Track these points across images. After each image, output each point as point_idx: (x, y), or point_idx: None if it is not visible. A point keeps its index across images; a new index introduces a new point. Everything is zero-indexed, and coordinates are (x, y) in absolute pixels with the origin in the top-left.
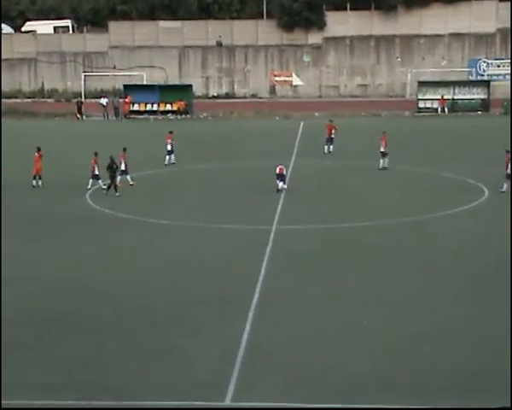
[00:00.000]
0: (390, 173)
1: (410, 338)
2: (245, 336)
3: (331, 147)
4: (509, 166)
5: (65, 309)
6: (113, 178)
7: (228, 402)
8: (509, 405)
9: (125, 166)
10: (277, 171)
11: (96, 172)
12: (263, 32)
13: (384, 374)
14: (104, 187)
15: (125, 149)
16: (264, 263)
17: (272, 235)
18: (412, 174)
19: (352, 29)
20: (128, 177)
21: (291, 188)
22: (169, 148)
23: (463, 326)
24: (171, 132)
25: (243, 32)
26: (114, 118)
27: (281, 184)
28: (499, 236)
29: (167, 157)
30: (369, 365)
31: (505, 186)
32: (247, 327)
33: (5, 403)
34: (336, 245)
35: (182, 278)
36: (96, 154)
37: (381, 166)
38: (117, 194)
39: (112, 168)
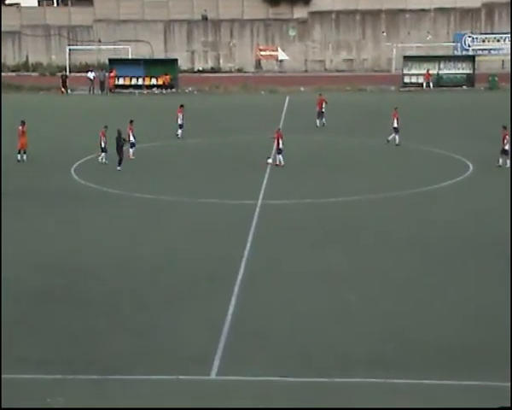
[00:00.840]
0: (375, 149)
1: (398, 314)
2: (230, 312)
3: (323, 120)
4: (506, 142)
5: (52, 285)
6: (120, 153)
7: (213, 377)
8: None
9: (134, 137)
10: (281, 146)
11: (103, 145)
12: (248, 6)
13: (371, 349)
14: (103, 162)
15: (131, 121)
16: (250, 238)
17: (258, 210)
18: (397, 149)
19: (338, 3)
20: (131, 149)
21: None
22: (179, 121)
23: (450, 302)
24: (181, 106)
25: (229, 6)
26: (100, 92)
27: (280, 158)
28: (485, 210)
29: (179, 131)
30: (356, 340)
31: (500, 161)
32: (233, 302)
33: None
34: (322, 220)
35: (167, 253)
36: (105, 127)
37: (397, 141)
38: (118, 168)
39: (119, 142)
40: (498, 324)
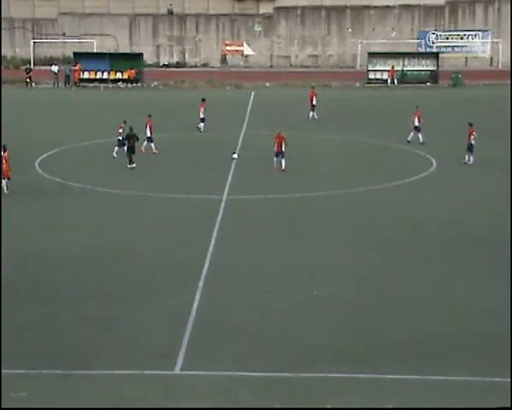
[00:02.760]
0: (339, 144)
1: (363, 308)
2: (195, 306)
3: (313, 113)
4: (473, 138)
5: (15, 278)
6: (131, 149)
7: (178, 371)
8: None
9: (151, 132)
10: (283, 149)
11: (120, 138)
12: (214, 1)
13: (337, 343)
14: (116, 156)
15: (150, 116)
16: (215, 233)
17: (223, 205)
18: (361, 145)
19: None
20: (152, 144)
21: (241, 158)
22: (201, 116)
23: (417, 296)
24: (203, 100)
25: (194, 0)
26: (64, 86)
27: (282, 162)
28: (449, 206)
29: (201, 124)
30: (321, 334)
31: (466, 158)
32: (198, 296)
33: None
34: (287, 215)
35: (133, 248)
36: (124, 122)
37: (421, 140)
38: (133, 165)
39: (131, 139)
40: (466, 316)
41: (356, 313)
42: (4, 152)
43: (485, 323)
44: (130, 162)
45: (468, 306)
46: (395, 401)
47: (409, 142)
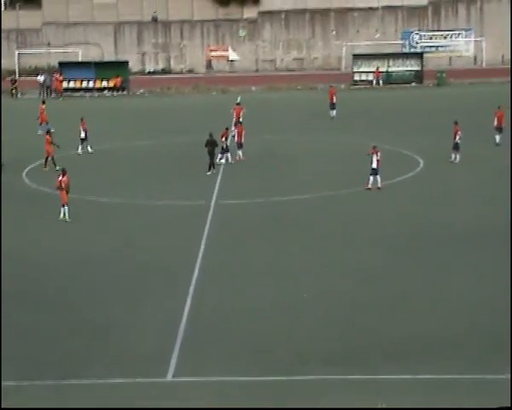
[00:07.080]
0: (325, 146)
1: (353, 309)
2: (186, 312)
3: (334, 112)
4: (458, 137)
5: (6, 287)
6: (211, 156)
7: (170, 378)
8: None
9: (240, 138)
10: (375, 164)
11: (224, 146)
12: (198, 6)
13: (327, 345)
14: (222, 162)
15: (241, 123)
16: (204, 238)
17: (211, 210)
18: (348, 146)
19: (288, 3)
20: (240, 152)
21: (229, 162)
22: (240, 119)
23: (406, 296)
24: (238, 104)
25: (178, 7)
26: (46, 96)
27: (376, 179)
28: (437, 205)
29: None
30: (312, 336)
31: (453, 156)
32: (189, 301)
33: None
34: (275, 219)
35: (123, 254)
36: (227, 129)
37: (498, 141)
38: (209, 172)
39: (211, 146)
40: (458, 315)
41: (346, 314)
42: (63, 176)
43: (478, 322)
44: (210, 168)
45: (459, 305)
46: (387, 401)
47: (498, 145)
